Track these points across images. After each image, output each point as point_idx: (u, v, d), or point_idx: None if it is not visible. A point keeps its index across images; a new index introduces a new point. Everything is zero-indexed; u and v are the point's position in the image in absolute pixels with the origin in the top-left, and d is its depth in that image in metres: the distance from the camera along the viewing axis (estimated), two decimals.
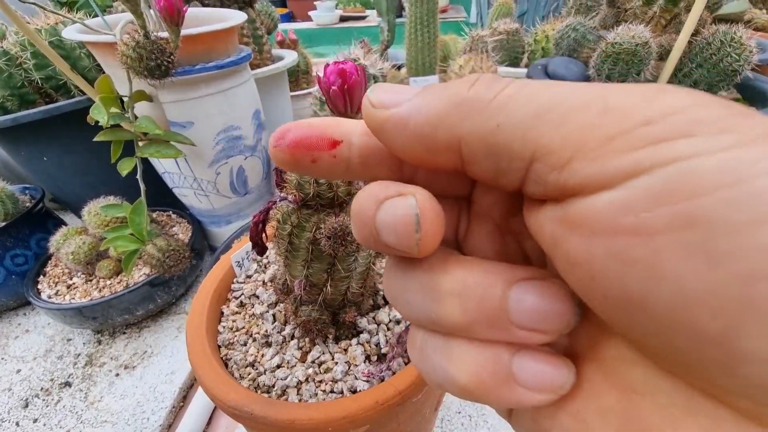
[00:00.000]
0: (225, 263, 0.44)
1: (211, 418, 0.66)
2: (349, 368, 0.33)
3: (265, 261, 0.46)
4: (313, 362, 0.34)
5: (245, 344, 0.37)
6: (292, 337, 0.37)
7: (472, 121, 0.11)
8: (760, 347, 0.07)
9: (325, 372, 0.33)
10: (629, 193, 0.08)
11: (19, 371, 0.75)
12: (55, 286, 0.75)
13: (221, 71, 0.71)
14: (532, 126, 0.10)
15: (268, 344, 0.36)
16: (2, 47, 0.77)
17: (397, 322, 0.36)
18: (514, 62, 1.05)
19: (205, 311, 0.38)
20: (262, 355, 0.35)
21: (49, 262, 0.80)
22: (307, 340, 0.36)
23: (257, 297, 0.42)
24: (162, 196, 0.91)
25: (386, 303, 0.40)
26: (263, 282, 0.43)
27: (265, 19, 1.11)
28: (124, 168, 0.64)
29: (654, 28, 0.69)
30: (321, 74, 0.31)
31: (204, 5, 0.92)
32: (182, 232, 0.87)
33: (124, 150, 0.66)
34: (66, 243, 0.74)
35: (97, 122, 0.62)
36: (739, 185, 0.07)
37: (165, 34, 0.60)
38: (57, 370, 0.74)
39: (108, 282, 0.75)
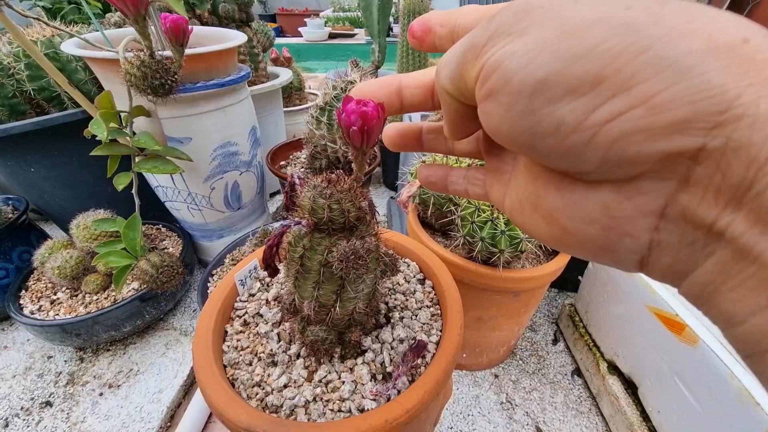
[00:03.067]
0: (228, 282, 0.45)
1: None
2: (355, 387, 0.34)
3: (267, 279, 0.47)
4: (320, 381, 0.35)
5: (251, 364, 0.37)
6: (298, 357, 0.37)
7: None
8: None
9: (332, 391, 0.34)
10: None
11: None
12: (38, 301, 0.72)
13: (221, 89, 0.72)
14: None
15: (274, 363, 0.37)
16: None
17: (401, 341, 0.38)
18: None
19: (210, 331, 0.38)
20: (269, 375, 0.36)
21: (32, 276, 0.77)
22: (313, 359, 0.37)
23: (261, 316, 0.42)
24: (151, 209, 0.89)
25: (388, 322, 0.42)
26: (267, 301, 0.44)
27: (261, 37, 1.13)
28: (120, 183, 0.64)
29: None
30: (341, 109, 0.33)
31: (203, 24, 0.93)
32: (172, 246, 0.86)
33: (119, 164, 0.66)
34: (52, 257, 0.72)
35: (93, 136, 0.62)
36: None
37: (168, 53, 0.61)
38: (37, 389, 0.71)
39: (95, 297, 0.73)
